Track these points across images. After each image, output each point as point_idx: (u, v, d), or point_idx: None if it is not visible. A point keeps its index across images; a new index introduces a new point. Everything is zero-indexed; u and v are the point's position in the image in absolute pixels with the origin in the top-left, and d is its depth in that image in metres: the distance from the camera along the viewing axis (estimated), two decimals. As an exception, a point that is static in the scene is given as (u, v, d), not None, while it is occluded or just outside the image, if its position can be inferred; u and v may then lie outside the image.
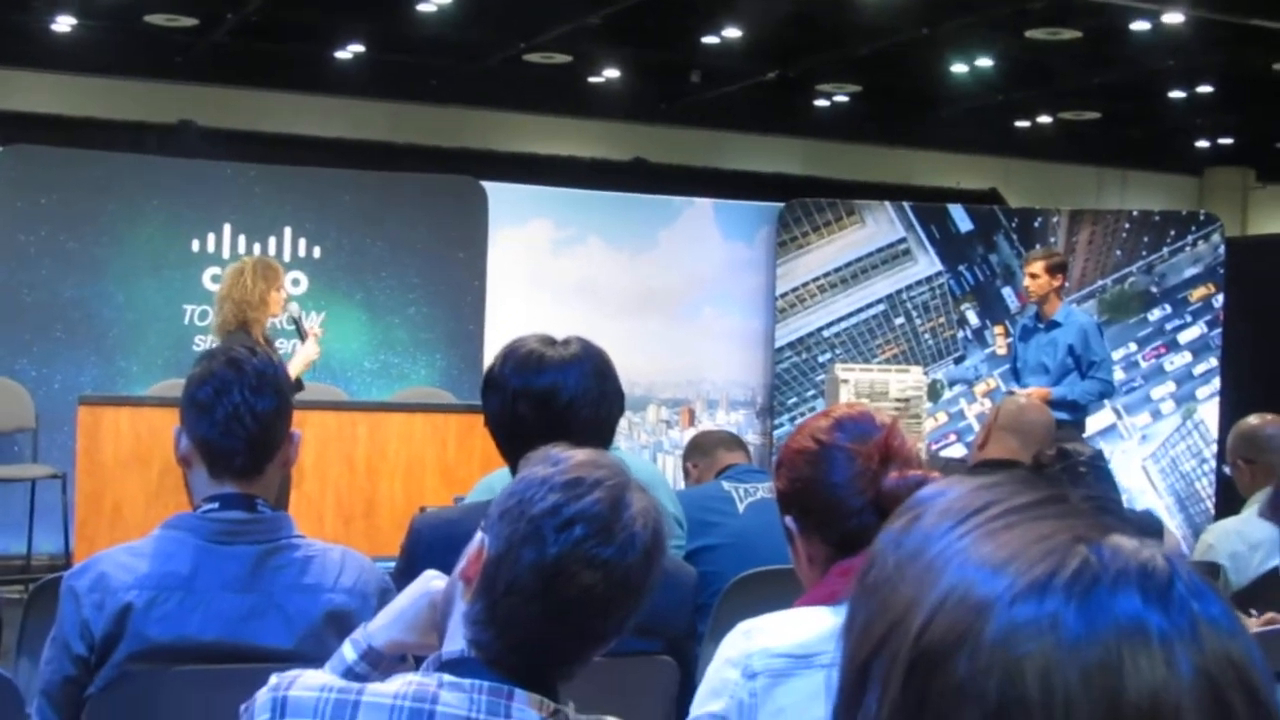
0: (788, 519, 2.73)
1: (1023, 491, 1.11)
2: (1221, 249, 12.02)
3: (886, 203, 11.97)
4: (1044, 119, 16.86)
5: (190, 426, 3.15)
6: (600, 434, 3.29)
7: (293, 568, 3.10)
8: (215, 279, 10.17)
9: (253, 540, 3.09)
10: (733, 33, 13.34)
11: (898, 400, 9.34)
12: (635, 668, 3.26)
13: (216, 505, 3.11)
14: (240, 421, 3.09)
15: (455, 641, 2.15)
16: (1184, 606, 0.96)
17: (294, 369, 7.81)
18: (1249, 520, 5.54)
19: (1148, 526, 4.95)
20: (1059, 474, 3.82)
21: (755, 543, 4.73)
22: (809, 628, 2.54)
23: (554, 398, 3.23)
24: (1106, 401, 10.58)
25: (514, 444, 3.22)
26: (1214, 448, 11.72)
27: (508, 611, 2.08)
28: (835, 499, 2.64)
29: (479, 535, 2.14)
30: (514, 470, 3.18)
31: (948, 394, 11.79)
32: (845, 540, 2.62)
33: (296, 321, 7.97)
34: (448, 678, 2.09)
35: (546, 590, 2.06)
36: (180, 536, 3.09)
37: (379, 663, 2.45)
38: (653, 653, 3.28)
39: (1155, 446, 11.95)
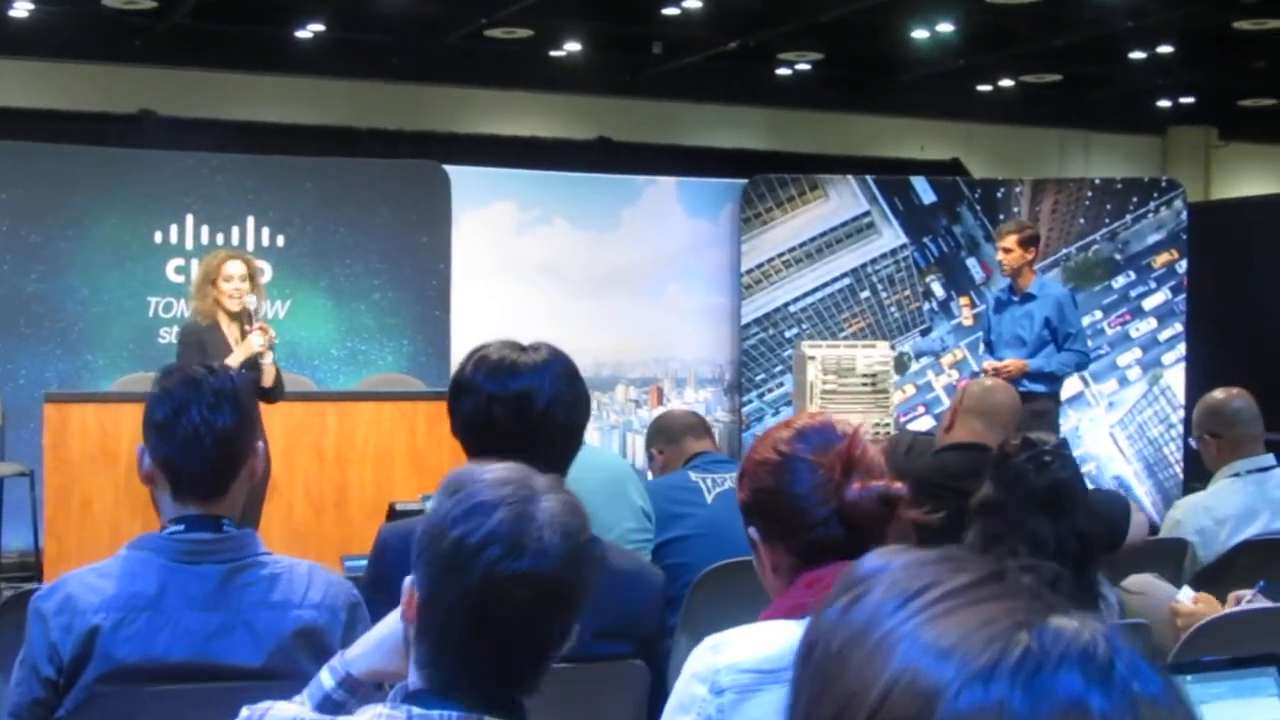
0: (751, 529, 2.74)
1: (963, 569, 1.12)
2: (1184, 214, 12.06)
3: (850, 176, 11.97)
4: (1006, 83, 16.84)
5: (152, 446, 3.15)
6: (572, 437, 3.31)
7: (260, 585, 3.10)
8: (179, 270, 10.23)
9: (219, 559, 3.09)
10: (693, 3, 13.31)
11: (865, 376, 9.36)
12: (606, 672, 3.27)
13: (182, 527, 3.10)
14: (199, 442, 3.08)
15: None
16: (1124, 687, 0.98)
17: (232, 361, 7.76)
18: (1215, 494, 5.58)
19: (1115, 507, 4.98)
20: (1024, 464, 3.81)
21: (725, 533, 4.74)
22: (775, 641, 2.54)
23: (530, 402, 3.23)
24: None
25: (487, 448, 3.21)
26: (1181, 413, 11.77)
27: (452, 648, 2.10)
28: (798, 509, 2.64)
29: (408, 578, 2.15)
30: None
31: (915, 366, 11.83)
32: (809, 550, 2.63)
33: (249, 314, 7.93)
34: (416, 710, 2.10)
35: (481, 618, 2.06)
36: (146, 557, 3.09)
37: (357, 689, 2.47)
38: (623, 656, 3.29)
39: (1123, 413, 12.00)
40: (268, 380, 7.87)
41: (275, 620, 3.08)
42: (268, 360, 7.87)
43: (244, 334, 7.89)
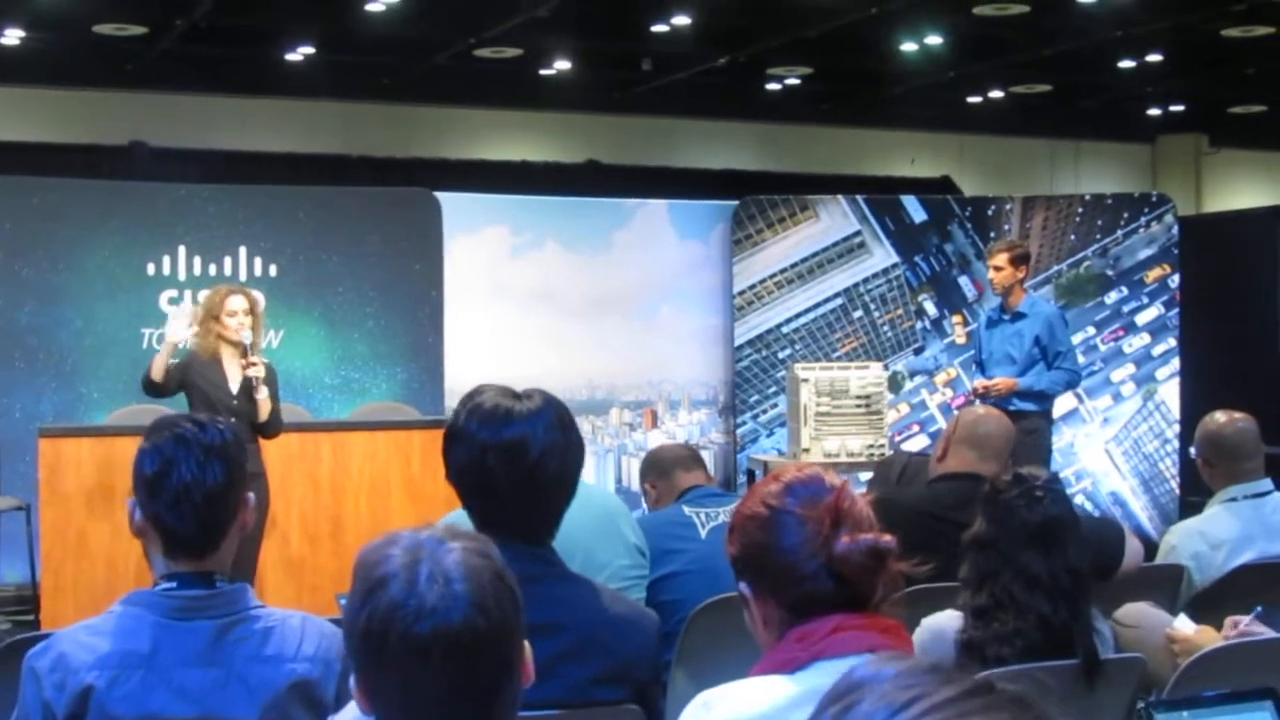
0: (742, 584, 2.74)
1: (951, 681, 1.13)
2: (1175, 229, 12.05)
3: (840, 196, 11.96)
4: (996, 93, 16.89)
5: (141, 502, 3.15)
6: (565, 484, 3.29)
7: (253, 639, 3.09)
8: (173, 301, 10.23)
9: (212, 615, 3.08)
10: (682, 20, 13.35)
11: (858, 397, 9.35)
12: (601, 718, 3.26)
13: (174, 584, 3.10)
14: (189, 499, 3.08)
15: None
16: None
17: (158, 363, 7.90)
18: (1211, 519, 5.56)
19: (1109, 534, 4.97)
20: (1016, 500, 3.82)
21: (719, 568, 4.69)
22: (767, 698, 2.55)
23: (524, 451, 3.20)
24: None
25: (482, 497, 3.22)
26: (1176, 428, 11.77)
27: None
28: (788, 563, 2.64)
29: (352, 677, 2.13)
30: (475, 520, 3.17)
31: (909, 385, 11.83)
32: (800, 604, 2.63)
33: (245, 347, 7.96)
34: None
35: (415, 686, 2.04)
36: (139, 613, 3.08)
37: None
38: (619, 701, 3.28)
39: (1118, 429, 11.97)
40: (262, 415, 7.91)
41: (269, 674, 3.07)
42: (262, 395, 7.90)
43: (241, 368, 7.93)
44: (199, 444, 3.11)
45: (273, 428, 8.01)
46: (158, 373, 7.90)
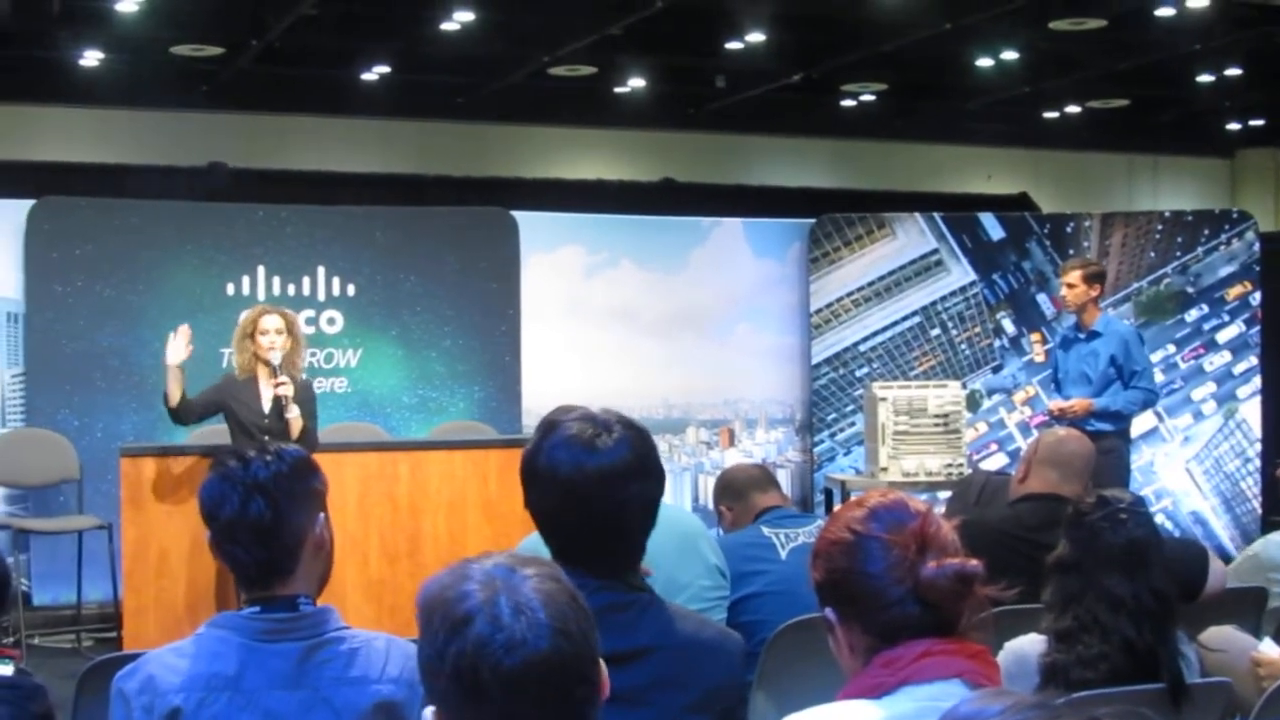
0: (827, 610, 2.72)
1: (1058, 716, 1.12)
2: (1256, 246, 11.95)
3: (917, 214, 11.94)
4: (1072, 109, 16.77)
5: (209, 535, 3.18)
6: (654, 510, 3.19)
7: (339, 661, 3.10)
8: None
9: (297, 637, 3.09)
10: (756, 36, 13.33)
11: (936, 416, 9.31)
12: (692, 746, 3.23)
13: (258, 608, 3.11)
14: (237, 538, 3.11)
15: None
16: None
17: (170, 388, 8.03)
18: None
19: (1192, 556, 4.93)
20: (1100, 522, 3.80)
21: (800, 589, 4.66)
22: (854, 722, 2.54)
23: (621, 481, 3.04)
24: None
25: (575, 531, 3.07)
26: (1258, 446, 11.67)
27: None
28: (873, 589, 2.62)
29: (429, 710, 2.10)
30: (565, 554, 3.11)
31: (987, 403, 11.77)
32: (886, 630, 2.61)
33: (274, 368, 8.05)
34: None
35: (513, 718, 2.04)
36: (225, 635, 3.10)
37: None
38: (706, 725, 3.24)
39: (1198, 448, 11.90)
40: (293, 434, 7.98)
41: (354, 696, 3.07)
42: (293, 414, 8.00)
43: (272, 387, 8.04)
44: (241, 482, 3.13)
45: (304, 447, 8.02)
46: (172, 398, 8.04)
